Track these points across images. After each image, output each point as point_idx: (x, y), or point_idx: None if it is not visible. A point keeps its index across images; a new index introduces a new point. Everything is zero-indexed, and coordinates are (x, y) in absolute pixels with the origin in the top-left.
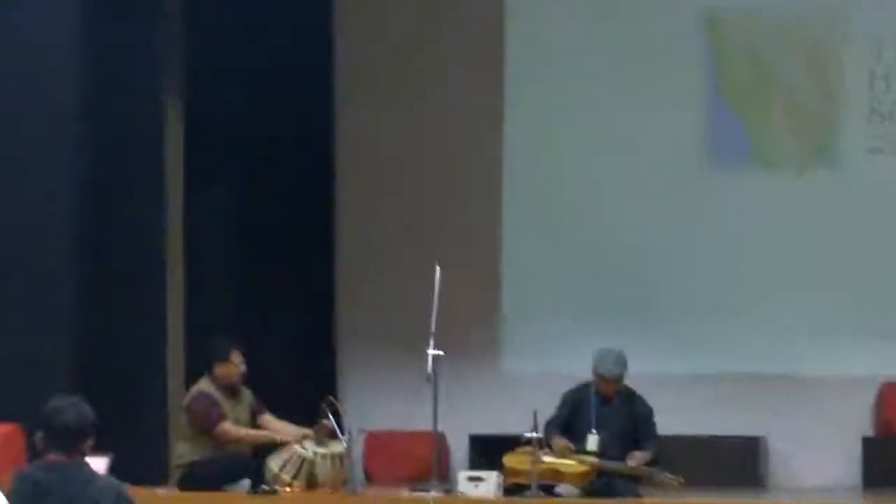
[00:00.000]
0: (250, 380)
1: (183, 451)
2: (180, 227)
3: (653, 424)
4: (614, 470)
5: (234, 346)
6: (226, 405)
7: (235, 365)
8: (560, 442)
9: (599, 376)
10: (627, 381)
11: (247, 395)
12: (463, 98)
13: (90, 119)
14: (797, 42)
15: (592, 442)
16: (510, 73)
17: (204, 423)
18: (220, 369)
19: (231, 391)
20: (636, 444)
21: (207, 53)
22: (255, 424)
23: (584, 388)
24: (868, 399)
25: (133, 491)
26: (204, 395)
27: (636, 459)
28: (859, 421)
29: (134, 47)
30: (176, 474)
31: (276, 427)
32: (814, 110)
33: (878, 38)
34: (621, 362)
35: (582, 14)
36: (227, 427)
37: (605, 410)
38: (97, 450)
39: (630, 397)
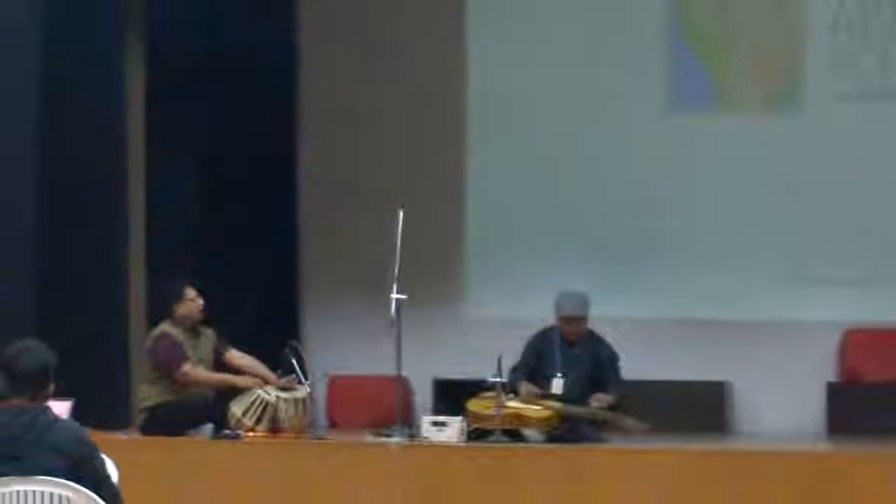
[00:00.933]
0: (214, 324)
1: (146, 395)
2: (142, 176)
3: (617, 368)
4: (579, 415)
5: (186, 283)
6: (188, 346)
7: (192, 300)
8: (527, 387)
9: (562, 318)
10: (592, 326)
11: (209, 334)
12: (426, 44)
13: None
14: None
15: (557, 385)
16: (472, 16)
17: (166, 365)
18: (179, 308)
19: (193, 332)
20: (601, 388)
21: (169, 8)
22: (219, 364)
23: (549, 331)
24: (832, 345)
25: (95, 435)
26: (165, 337)
27: (599, 401)
28: (824, 366)
29: (96, 11)
30: (139, 417)
31: (242, 363)
32: (778, 55)
33: None
34: (584, 303)
35: None
36: (189, 369)
37: (570, 354)
38: (59, 394)
39: (594, 341)
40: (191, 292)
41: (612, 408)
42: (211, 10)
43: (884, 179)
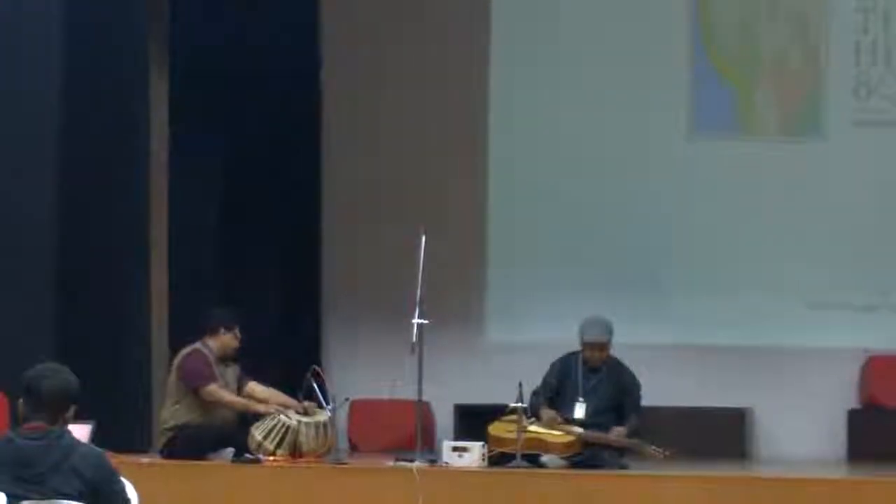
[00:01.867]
0: (240, 351)
1: (169, 416)
2: (164, 195)
3: (638, 397)
4: (599, 441)
5: (237, 321)
6: (216, 369)
7: (236, 337)
8: (548, 412)
9: (585, 343)
10: (615, 352)
11: (236, 368)
12: (450, 68)
13: (73, 84)
14: (785, 11)
15: (579, 410)
16: (496, 40)
17: (194, 379)
18: (224, 337)
19: (222, 359)
20: (622, 414)
21: (190, 5)
22: (240, 395)
23: (572, 356)
24: (853, 371)
25: (116, 458)
26: (199, 354)
27: (616, 433)
28: (844, 393)
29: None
30: (161, 440)
31: (262, 394)
32: (800, 81)
33: (864, 10)
34: (607, 329)
35: None
36: (215, 389)
37: (592, 379)
38: (80, 417)
39: (617, 367)
40: (238, 330)
41: (630, 435)
42: (234, 21)
43: None
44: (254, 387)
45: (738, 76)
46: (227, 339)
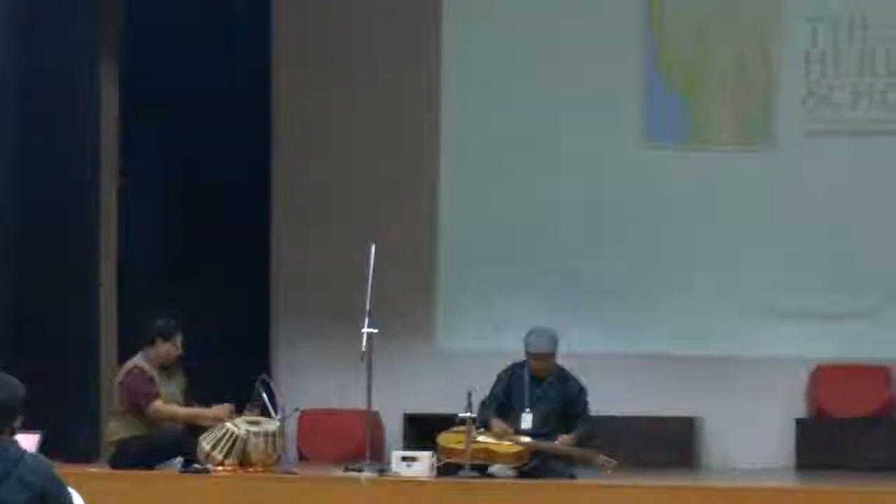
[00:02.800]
0: (186, 358)
1: (115, 428)
2: (113, 202)
3: (585, 404)
4: (549, 450)
5: (179, 329)
6: (160, 383)
7: (176, 347)
8: (497, 423)
9: (530, 354)
10: (563, 361)
11: (181, 378)
12: (402, 77)
13: (25, 102)
14: (737, 22)
15: (526, 420)
16: (447, 49)
17: (136, 399)
18: (161, 347)
19: (165, 369)
20: (570, 423)
21: (142, 18)
22: (187, 405)
23: (518, 366)
24: (802, 381)
25: (64, 469)
26: (139, 372)
27: (563, 442)
28: (793, 403)
29: (68, 10)
30: (109, 451)
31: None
32: (751, 90)
33: (813, 19)
34: (552, 340)
35: None
36: (160, 406)
37: (538, 389)
38: (28, 427)
39: (563, 376)
40: (179, 339)
41: (578, 444)
42: (184, 41)
43: (855, 215)
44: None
45: (689, 85)
46: (164, 349)
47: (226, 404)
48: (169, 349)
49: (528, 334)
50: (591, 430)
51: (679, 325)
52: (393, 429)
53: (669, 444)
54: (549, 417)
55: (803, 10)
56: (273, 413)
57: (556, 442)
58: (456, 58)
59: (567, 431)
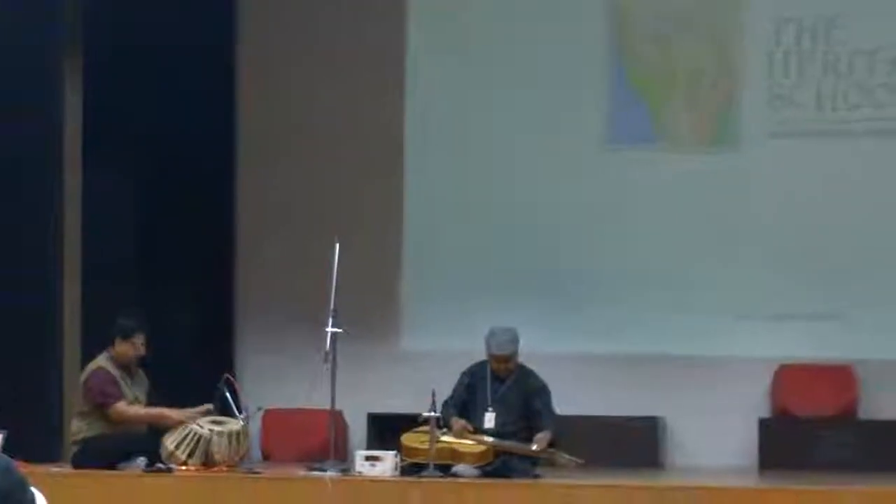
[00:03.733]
0: (150, 358)
1: (78, 428)
2: (77, 203)
3: (548, 401)
4: (512, 450)
5: (140, 328)
6: (123, 383)
7: (136, 346)
8: (458, 422)
9: (491, 355)
10: (528, 361)
11: (144, 378)
12: (366, 77)
13: None
14: (700, 24)
15: (489, 420)
16: (412, 48)
17: (100, 400)
18: (120, 346)
19: (128, 369)
20: (531, 422)
21: (106, 28)
22: (150, 405)
23: (480, 366)
24: (765, 381)
25: (26, 468)
26: (102, 372)
27: (540, 443)
28: (756, 403)
29: (32, 20)
30: (71, 450)
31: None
32: (715, 92)
33: (777, 20)
34: (513, 341)
35: None
36: (122, 407)
37: (500, 388)
38: None
39: (524, 375)
40: (139, 339)
41: (551, 444)
42: (148, 35)
43: (817, 216)
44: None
45: (653, 87)
46: (124, 349)
47: (205, 405)
48: (128, 349)
49: (489, 335)
50: (557, 428)
51: (643, 326)
52: (357, 428)
53: (633, 443)
54: (511, 416)
55: (767, 11)
56: (237, 413)
57: (533, 446)
58: (421, 60)
59: (529, 430)
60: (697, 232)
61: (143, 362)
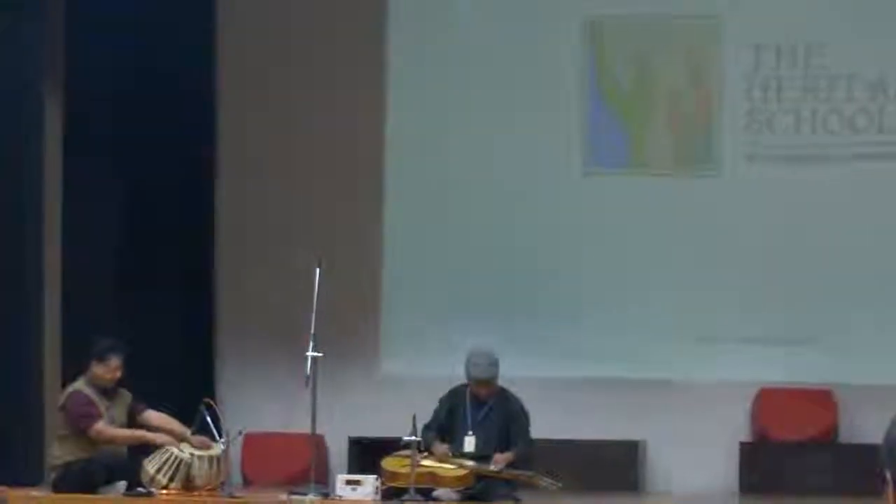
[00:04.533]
0: (129, 380)
1: (59, 452)
2: (58, 226)
3: (523, 424)
4: (492, 474)
5: (115, 350)
6: (101, 405)
7: (111, 369)
8: (440, 448)
9: (472, 379)
10: (507, 385)
11: (124, 395)
12: (345, 101)
13: None
14: (678, 48)
15: (469, 443)
16: (392, 74)
17: (79, 422)
18: (96, 369)
19: (106, 391)
20: (511, 444)
21: (87, 45)
22: (133, 425)
23: (460, 389)
24: (745, 405)
25: (7, 493)
26: (79, 395)
27: (498, 462)
28: (737, 426)
29: (13, 40)
30: (51, 475)
31: (156, 421)
32: (693, 116)
33: (755, 46)
34: (493, 364)
35: (465, 16)
36: (102, 427)
37: (481, 412)
38: None
39: (504, 398)
40: (114, 361)
41: (513, 464)
42: (129, 57)
43: (795, 240)
44: (149, 415)
45: (631, 111)
46: (99, 371)
47: (196, 437)
48: (104, 371)
49: (469, 359)
50: (528, 451)
51: (622, 350)
52: (337, 452)
53: (612, 467)
54: (491, 440)
55: (746, 36)
56: (217, 437)
57: (491, 466)
58: (399, 81)
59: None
60: (676, 255)
61: (119, 384)
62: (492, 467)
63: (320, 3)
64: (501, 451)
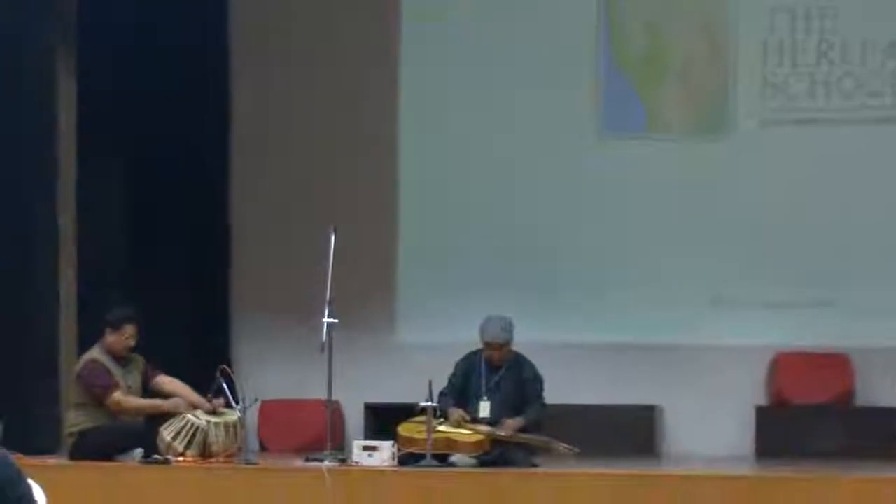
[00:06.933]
0: (145, 348)
1: (75, 420)
2: (72, 195)
3: (536, 388)
4: (509, 439)
5: (130, 319)
6: (117, 373)
7: (125, 337)
8: (456, 412)
9: (486, 343)
10: (523, 351)
11: (138, 361)
12: (359, 70)
13: None
14: (692, 12)
15: (484, 409)
16: (406, 40)
17: (95, 392)
18: (110, 337)
19: (121, 359)
20: (524, 409)
21: (101, 11)
22: (147, 390)
23: (474, 355)
24: (762, 369)
25: (23, 460)
26: (94, 363)
27: (507, 427)
28: (753, 390)
29: (27, 18)
30: (68, 442)
31: (170, 387)
32: (708, 81)
33: (770, 9)
34: (507, 328)
35: None
36: (119, 397)
37: (495, 377)
38: None
39: (519, 363)
40: (129, 330)
41: (523, 429)
42: (141, 35)
43: (813, 204)
44: (162, 379)
45: (645, 75)
46: (113, 340)
47: (208, 398)
48: (117, 339)
49: (484, 323)
50: (539, 416)
51: (639, 315)
52: (353, 419)
53: (629, 432)
54: (506, 405)
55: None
56: (234, 404)
57: (500, 431)
58: (414, 56)
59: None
60: (691, 220)
61: (131, 350)
62: (500, 433)
63: None
64: (516, 416)
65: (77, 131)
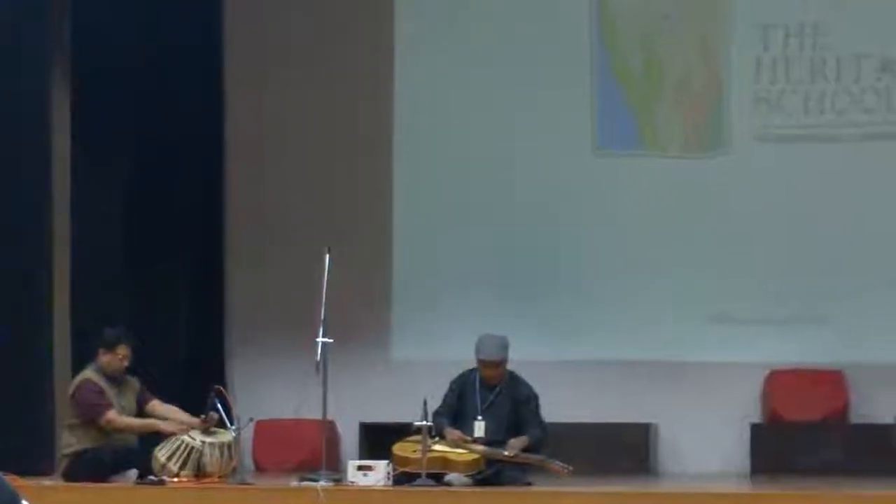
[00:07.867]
0: (139, 368)
1: (69, 441)
2: (66, 216)
3: (535, 408)
4: (505, 459)
5: (123, 339)
6: (111, 393)
7: (119, 357)
8: (454, 433)
9: (480, 361)
10: (518, 368)
11: (133, 383)
12: (353, 85)
13: None
14: (687, 28)
15: (479, 428)
16: (400, 56)
17: (89, 412)
18: (103, 358)
19: (115, 380)
20: (521, 429)
21: (96, 12)
22: (141, 413)
23: (469, 373)
24: (756, 386)
25: (17, 482)
26: (89, 384)
27: (512, 447)
28: (748, 408)
29: (20, 24)
30: (62, 464)
31: (163, 411)
32: (702, 97)
33: (764, 26)
34: (502, 347)
35: None
36: (113, 416)
37: (490, 396)
38: None
39: (514, 382)
40: (122, 350)
41: (527, 449)
42: (135, 42)
43: (806, 219)
44: (155, 405)
45: (640, 92)
46: (106, 360)
47: (201, 419)
48: (111, 360)
49: (479, 341)
50: (542, 436)
51: (633, 331)
52: (348, 438)
53: (624, 450)
54: (501, 424)
55: (754, 16)
56: (228, 424)
57: (504, 451)
58: (409, 68)
59: (518, 436)
60: (686, 236)
61: (125, 372)
62: (505, 452)
63: None
64: (511, 436)
65: (71, 159)
